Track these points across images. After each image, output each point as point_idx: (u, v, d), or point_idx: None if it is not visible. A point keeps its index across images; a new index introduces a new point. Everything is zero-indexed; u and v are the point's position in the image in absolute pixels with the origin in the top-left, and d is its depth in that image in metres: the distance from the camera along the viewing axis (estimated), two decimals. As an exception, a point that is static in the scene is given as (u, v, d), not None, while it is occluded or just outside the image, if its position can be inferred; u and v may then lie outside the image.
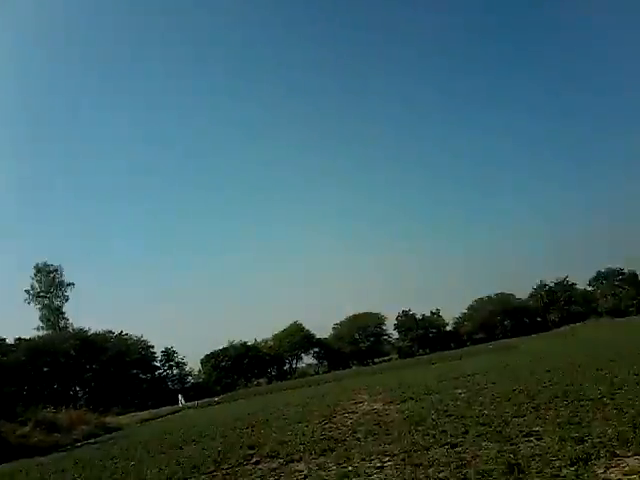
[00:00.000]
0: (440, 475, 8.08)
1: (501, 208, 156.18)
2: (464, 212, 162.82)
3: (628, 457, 7.42)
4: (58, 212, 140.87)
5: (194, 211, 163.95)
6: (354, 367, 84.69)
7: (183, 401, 59.53)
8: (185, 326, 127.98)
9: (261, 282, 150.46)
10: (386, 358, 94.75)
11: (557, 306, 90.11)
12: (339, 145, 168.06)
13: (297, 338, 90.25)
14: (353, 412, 19.39)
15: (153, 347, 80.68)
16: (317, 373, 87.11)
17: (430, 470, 8.47)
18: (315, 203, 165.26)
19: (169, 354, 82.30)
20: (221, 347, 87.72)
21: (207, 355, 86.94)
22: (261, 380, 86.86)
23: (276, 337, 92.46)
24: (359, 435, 13.36)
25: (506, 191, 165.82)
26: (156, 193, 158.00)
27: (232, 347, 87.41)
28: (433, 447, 10.08)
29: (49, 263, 78.87)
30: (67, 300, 79.23)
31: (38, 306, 77.82)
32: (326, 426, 16.38)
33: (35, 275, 78.17)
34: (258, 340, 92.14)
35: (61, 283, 78.42)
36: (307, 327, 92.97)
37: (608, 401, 11.44)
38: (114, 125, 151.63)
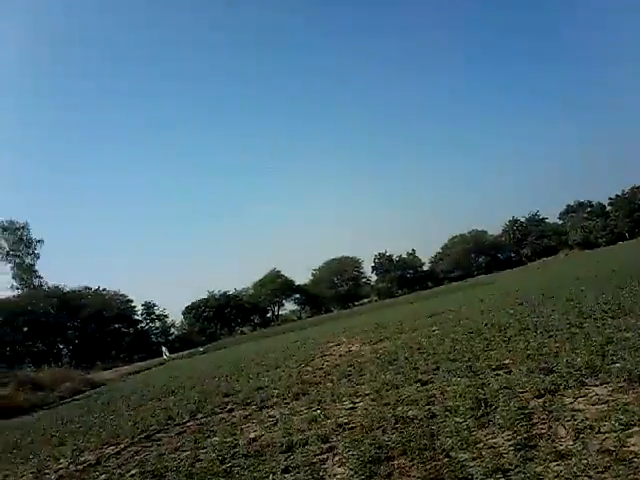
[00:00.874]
0: (409, 413, 8.04)
1: (471, 146, 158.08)
2: (435, 151, 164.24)
3: (597, 386, 7.43)
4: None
5: (172, 166, 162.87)
6: (335, 311, 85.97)
7: (167, 353, 59.96)
8: (164, 280, 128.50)
9: (239, 232, 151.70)
10: (366, 300, 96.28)
11: (529, 241, 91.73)
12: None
13: (276, 285, 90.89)
14: (330, 355, 19.50)
15: (132, 301, 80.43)
16: (300, 318, 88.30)
17: (399, 409, 8.44)
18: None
19: (149, 307, 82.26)
20: (201, 298, 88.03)
21: (188, 307, 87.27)
22: (244, 328, 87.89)
23: (256, 285, 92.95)
24: (333, 377, 13.39)
25: (477, 129, 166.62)
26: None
27: (212, 297, 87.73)
28: (404, 385, 10.09)
29: (14, 220, 76.43)
30: (38, 258, 77.47)
31: (9, 265, 76.11)
32: (302, 370, 16.44)
33: (2, 233, 75.88)
34: (238, 289, 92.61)
35: (29, 240, 76.33)
36: (286, 274, 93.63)
37: (577, 330, 11.52)
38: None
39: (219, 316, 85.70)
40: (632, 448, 5.09)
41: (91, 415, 17.71)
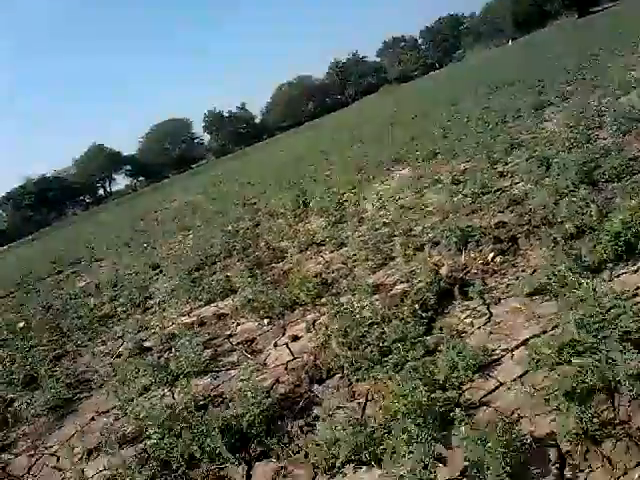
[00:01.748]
0: (237, 228, 8.23)
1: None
2: None
3: (400, 170, 8.14)
4: None
5: None
6: (171, 176, 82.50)
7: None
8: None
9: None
10: (203, 161, 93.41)
11: (352, 81, 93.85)
12: None
13: (101, 160, 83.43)
14: (165, 209, 19.04)
15: None
16: (135, 190, 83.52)
17: (227, 228, 8.55)
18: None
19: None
20: (16, 186, 78.22)
21: (3, 197, 77.28)
22: (76, 210, 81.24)
23: (78, 163, 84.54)
24: (166, 223, 13.23)
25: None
26: None
27: (30, 183, 78.40)
28: (232, 211, 10.19)
29: None
30: None
31: None
32: (135, 225, 15.89)
33: None
34: (58, 170, 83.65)
35: None
36: (109, 146, 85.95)
37: (386, 136, 12.38)
38: None
39: (43, 202, 77.67)
40: (424, 201, 5.70)
41: None
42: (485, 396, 2.28)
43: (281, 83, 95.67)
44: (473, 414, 2.17)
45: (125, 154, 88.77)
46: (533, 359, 2.31)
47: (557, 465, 1.80)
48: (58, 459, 3.22)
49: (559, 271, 2.87)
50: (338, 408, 2.51)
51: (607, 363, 1.97)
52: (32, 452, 3.44)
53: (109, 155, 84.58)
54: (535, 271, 3.17)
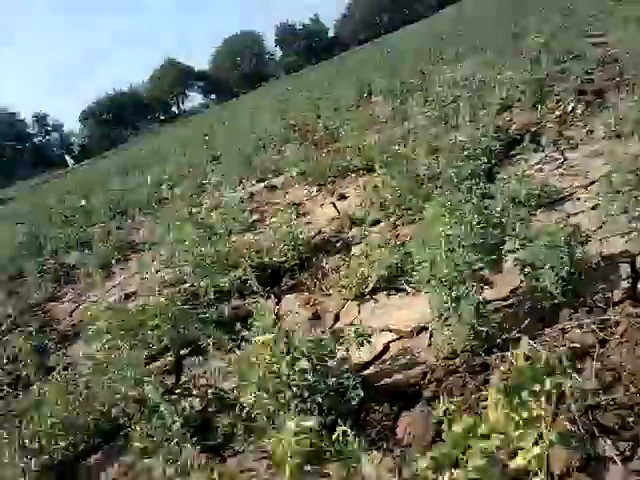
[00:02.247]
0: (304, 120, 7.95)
1: None
2: None
3: (476, 56, 7.44)
4: None
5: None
6: (242, 95, 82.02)
7: (72, 161, 57.37)
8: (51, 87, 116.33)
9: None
10: (274, 78, 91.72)
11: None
12: None
13: (174, 75, 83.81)
14: (231, 117, 19.12)
15: (17, 114, 72.16)
16: (207, 107, 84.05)
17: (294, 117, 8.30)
18: None
19: (39, 119, 74.88)
20: (94, 101, 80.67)
21: (83, 112, 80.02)
22: (151, 126, 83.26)
23: (153, 79, 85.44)
24: (231, 128, 13.23)
25: None
26: None
27: (107, 98, 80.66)
28: (290, 115, 9.90)
29: None
30: None
31: None
32: (204, 133, 16.06)
33: None
34: (133, 86, 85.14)
35: None
36: (182, 61, 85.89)
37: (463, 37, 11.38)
38: None
39: (119, 117, 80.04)
40: (501, 78, 5.11)
41: None
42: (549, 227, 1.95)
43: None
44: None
45: (197, 69, 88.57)
46: (610, 189, 1.94)
47: (629, 280, 1.50)
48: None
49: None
50: (379, 247, 2.27)
51: None
52: (76, 301, 3.58)
53: (181, 70, 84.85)
54: (622, 119, 2.70)
